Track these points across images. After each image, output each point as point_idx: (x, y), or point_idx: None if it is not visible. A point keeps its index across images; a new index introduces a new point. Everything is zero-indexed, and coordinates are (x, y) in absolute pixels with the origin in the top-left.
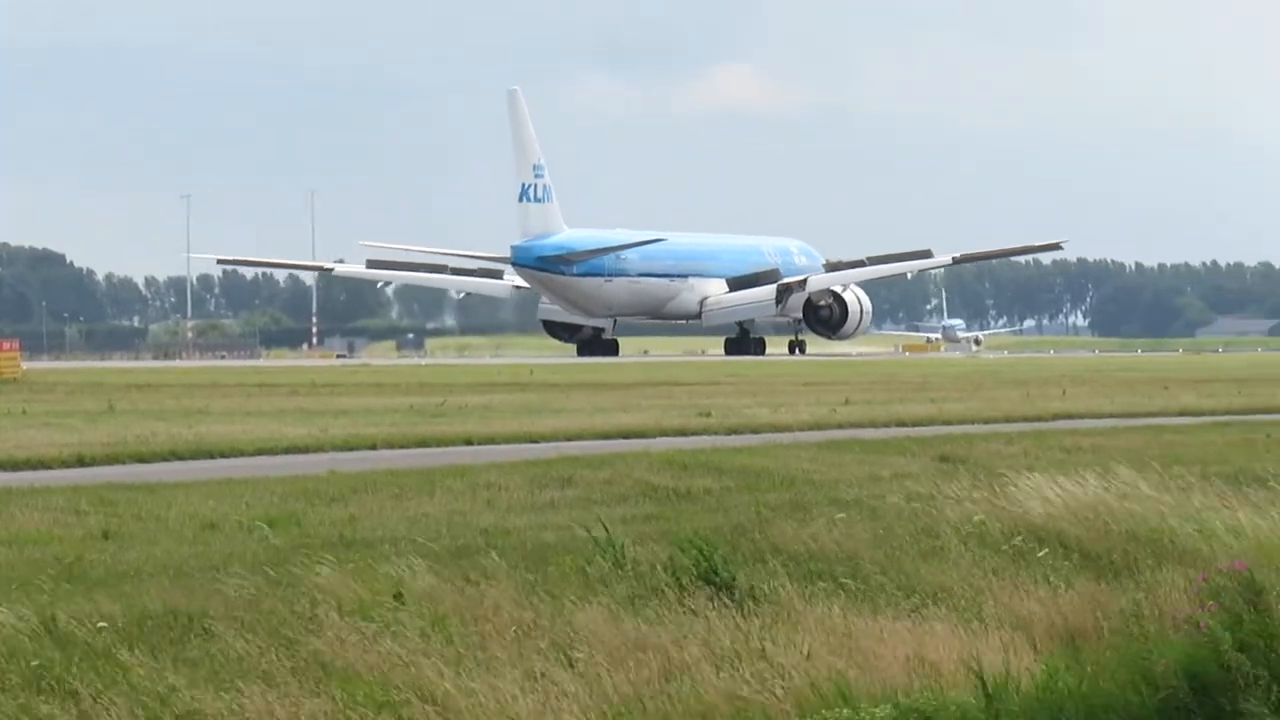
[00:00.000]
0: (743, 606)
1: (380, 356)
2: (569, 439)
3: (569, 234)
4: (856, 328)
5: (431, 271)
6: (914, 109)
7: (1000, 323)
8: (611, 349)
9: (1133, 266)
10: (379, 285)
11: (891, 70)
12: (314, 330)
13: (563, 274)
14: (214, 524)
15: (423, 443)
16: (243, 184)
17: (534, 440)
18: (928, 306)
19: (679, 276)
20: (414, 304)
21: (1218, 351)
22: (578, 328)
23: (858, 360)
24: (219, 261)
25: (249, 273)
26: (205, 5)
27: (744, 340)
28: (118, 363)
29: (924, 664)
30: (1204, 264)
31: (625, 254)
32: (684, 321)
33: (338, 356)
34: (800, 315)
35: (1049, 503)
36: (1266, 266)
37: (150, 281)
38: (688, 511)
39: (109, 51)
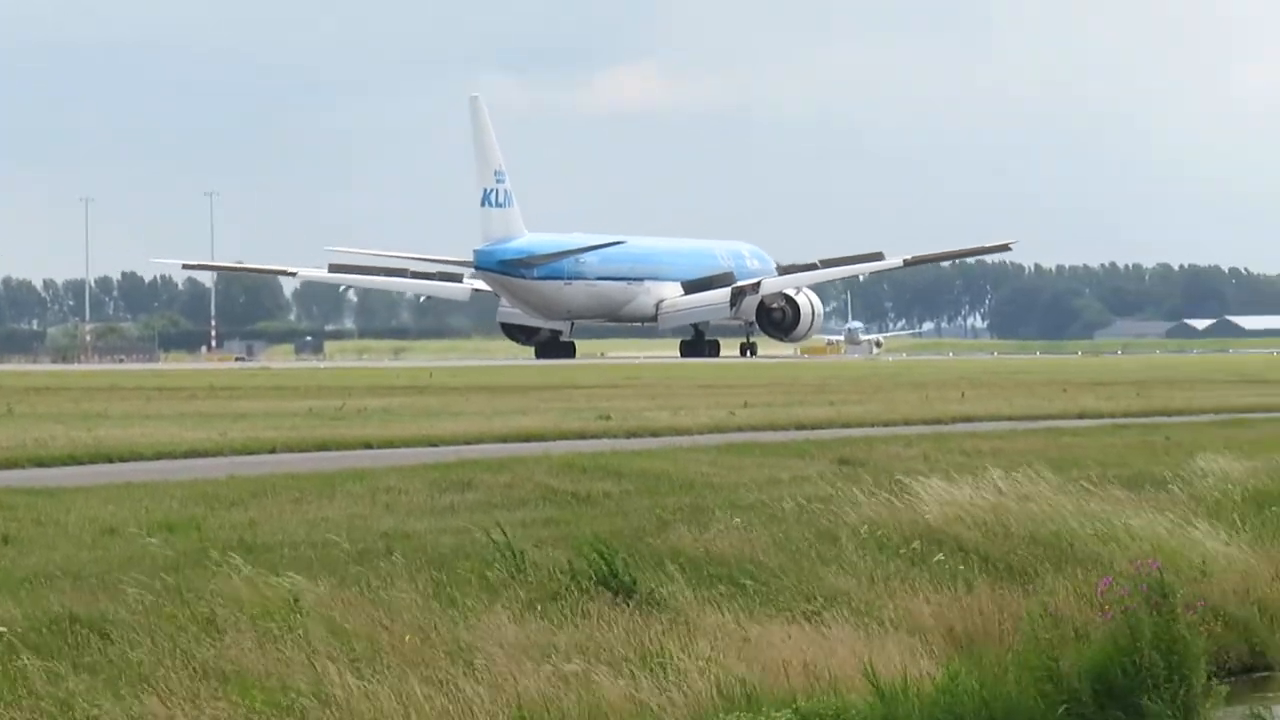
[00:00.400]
0: (643, 610)
1: (279, 360)
2: (468, 443)
3: (529, 238)
4: (809, 329)
5: (392, 275)
6: (814, 109)
7: (900, 325)
8: (569, 351)
9: (1031, 268)
10: (341, 289)
11: (793, 70)
12: (213, 333)
13: (523, 277)
14: (113, 529)
15: (322, 446)
16: (143, 185)
17: (433, 444)
18: (827, 309)
19: (635, 280)
20: (313, 306)
21: (1116, 354)
22: (535, 330)
23: (763, 362)
24: (184, 266)
25: (147, 275)
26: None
27: (699, 342)
28: (15, 366)
29: (824, 667)
30: (1102, 266)
31: (584, 257)
32: (640, 324)
33: (236, 360)
34: (752, 318)
35: (948, 506)
36: (1164, 268)
37: (49, 284)
38: (587, 515)
39: (16, 53)
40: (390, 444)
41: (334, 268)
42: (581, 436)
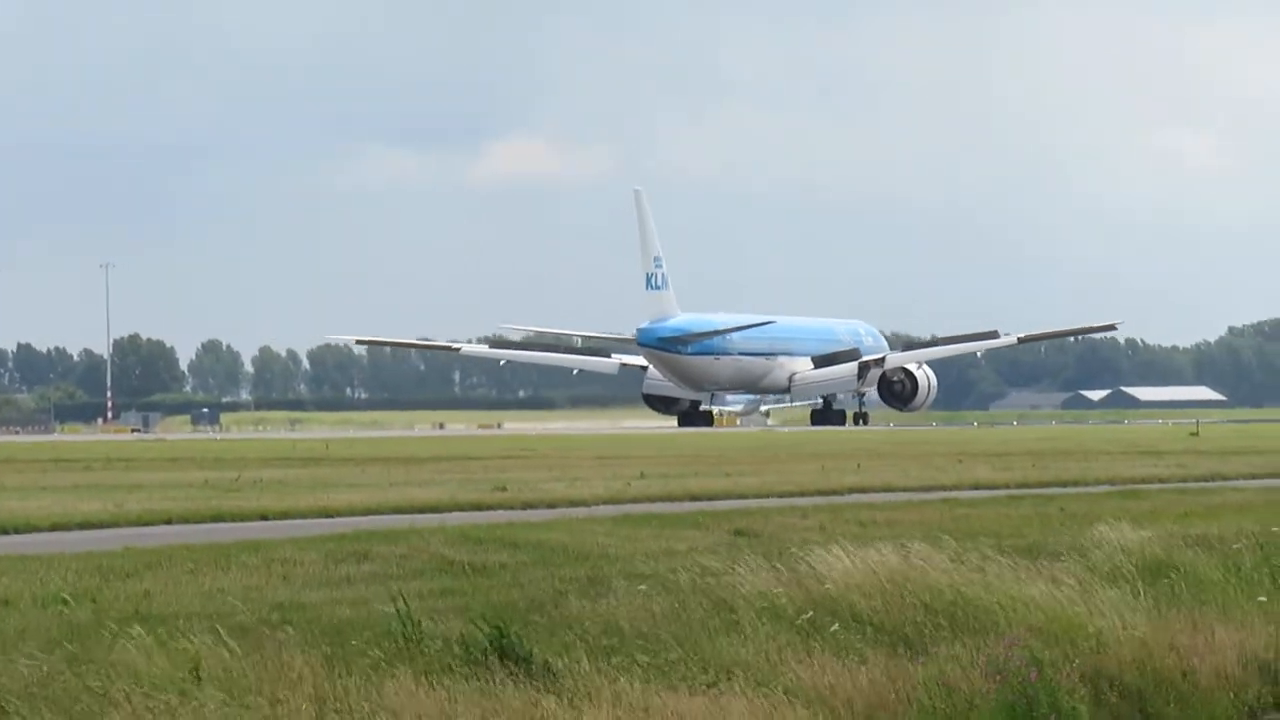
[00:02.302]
0: (539, 682)
1: (175, 431)
2: (365, 514)
3: (683, 317)
4: (925, 401)
5: (546, 350)
6: (704, 173)
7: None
8: (708, 420)
9: (928, 338)
10: (501, 363)
11: (683, 136)
12: (109, 405)
13: (679, 353)
14: (7, 600)
15: (218, 518)
16: (39, 256)
17: (329, 515)
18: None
19: (771, 355)
20: (209, 378)
21: (1012, 425)
22: (675, 400)
23: (654, 434)
24: (358, 342)
25: (43, 346)
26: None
27: (828, 411)
28: None
29: None
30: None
31: (729, 335)
32: (774, 396)
33: (132, 431)
34: (864, 389)
35: (843, 576)
36: (1060, 340)
37: None
38: (484, 586)
39: None
40: (286, 515)
41: (494, 343)
42: (478, 508)
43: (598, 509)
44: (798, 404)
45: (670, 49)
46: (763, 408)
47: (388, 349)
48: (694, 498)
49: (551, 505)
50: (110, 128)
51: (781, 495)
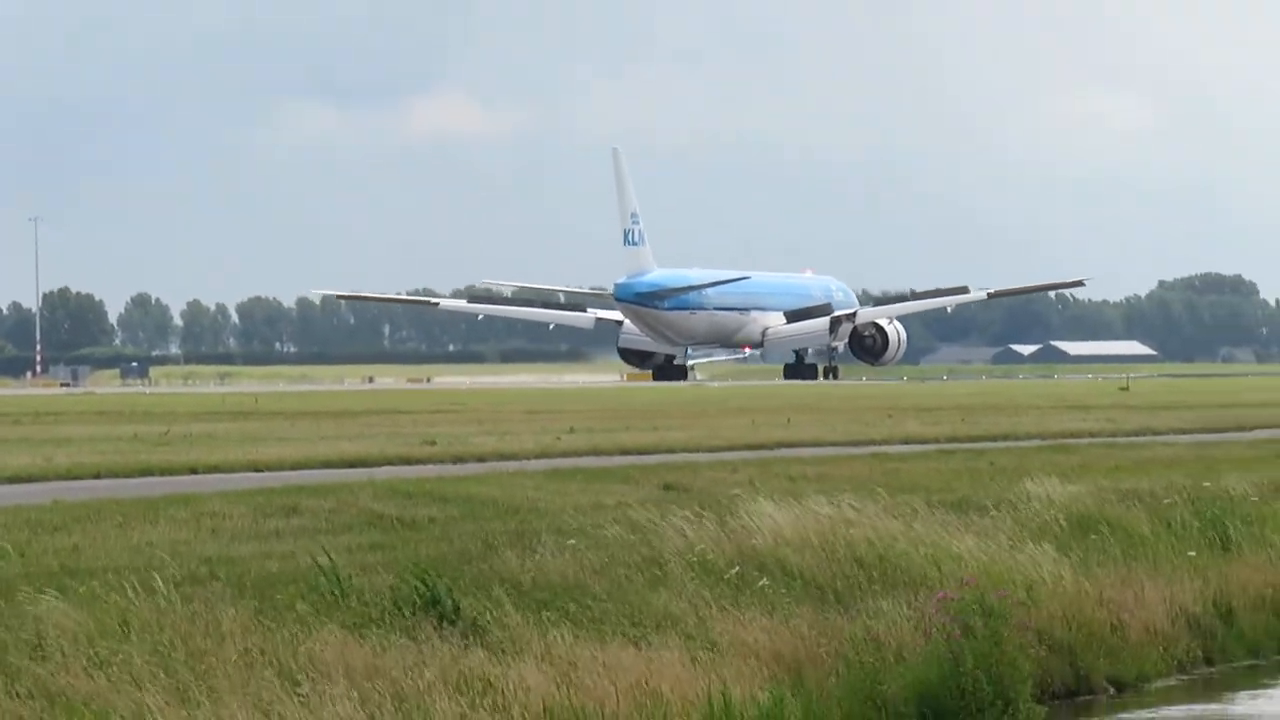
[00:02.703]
0: (468, 636)
1: (104, 385)
2: (294, 468)
3: (659, 273)
4: (895, 355)
5: (525, 305)
6: (626, 127)
7: (723, 351)
8: (682, 374)
9: (859, 293)
10: (478, 318)
11: (603, 91)
12: (38, 358)
13: (655, 308)
14: None
15: (147, 471)
16: None
17: (258, 469)
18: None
19: (744, 310)
20: (138, 332)
21: (942, 379)
22: (650, 355)
23: (584, 388)
24: (340, 298)
25: None
26: None
27: (800, 366)
28: None
29: (651, 692)
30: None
31: (704, 291)
32: (703, 350)
33: (61, 385)
34: (837, 345)
35: (772, 531)
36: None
37: None
38: (413, 540)
39: None
40: (215, 469)
41: (472, 298)
42: (407, 462)
43: (527, 463)
44: (720, 358)
45: (592, 3)
46: (689, 363)
47: (339, 302)
48: (624, 452)
49: (481, 459)
50: (35, 85)
51: (711, 450)
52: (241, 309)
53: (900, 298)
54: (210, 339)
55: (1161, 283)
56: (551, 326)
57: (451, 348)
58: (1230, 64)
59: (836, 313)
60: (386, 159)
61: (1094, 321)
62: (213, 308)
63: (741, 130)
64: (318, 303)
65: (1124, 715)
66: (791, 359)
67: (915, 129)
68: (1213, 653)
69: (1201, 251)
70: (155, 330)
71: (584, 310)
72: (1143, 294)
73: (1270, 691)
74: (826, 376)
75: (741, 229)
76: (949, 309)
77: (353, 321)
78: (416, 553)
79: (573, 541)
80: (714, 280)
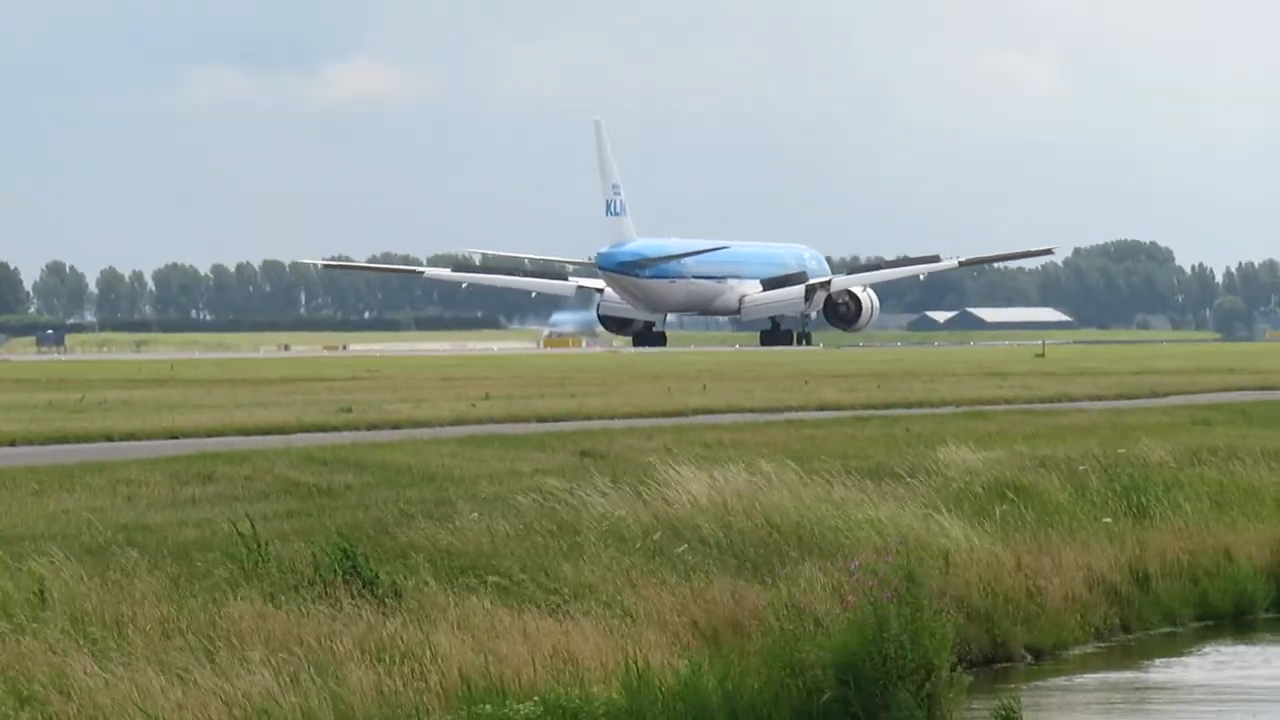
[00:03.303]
0: (386, 602)
1: (19, 352)
2: (210, 435)
3: (640, 242)
4: (868, 321)
5: (505, 274)
6: (540, 93)
7: None
8: (660, 340)
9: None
10: (463, 285)
11: (515, 57)
12: None
13: (637, 276)
14: None
15: (62, 439)
16: None
17: (175, 436)
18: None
19: (721, 279)
20: (54, 299)
21: (858, 346)
22: (630, 321)
23: (500, 355)
24: (325, 266)
25: None
26: None
27: (776, 332)
28: None
29: (570, 659)
30: (844, 259)
31: (684, 260)
32: (725, 317)
33: None
34: (810, 311)
35: (689, 498)
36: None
37: None
38: (330, 507)
39: None
40: (131, 436)
41: (457, 266)
42: (323, 429)
43: (443, 430)
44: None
45: None
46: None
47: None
48: (540, 419)
49: (396, 426)
50: None
51: (627, 416)
52: (158, 276)
53: (873, 266)
54: (126, 306)
55: (1077, 250)
56: (534, 294)
57: (367, 315)
58: (1144, 29)
59: (811, 281)
60: (301, 124)
61: (1009, 288)
62: (128, 275)
63: (650, 96)
64: (316, 271)
65: (1041, 682)
66: (769, 326)
67: (826, 96)
68: (1130, 620)
69: (1118, 218)
70: (70, 298)
71: (565, 279)
72: (1059, 261)
73: (1186, 659)
74: (799, 343)
75: (657, 195)
76: (921, 277)
77: (269, 289)
78: (333, 520)
79: (483, 512)
80: (693, 250)
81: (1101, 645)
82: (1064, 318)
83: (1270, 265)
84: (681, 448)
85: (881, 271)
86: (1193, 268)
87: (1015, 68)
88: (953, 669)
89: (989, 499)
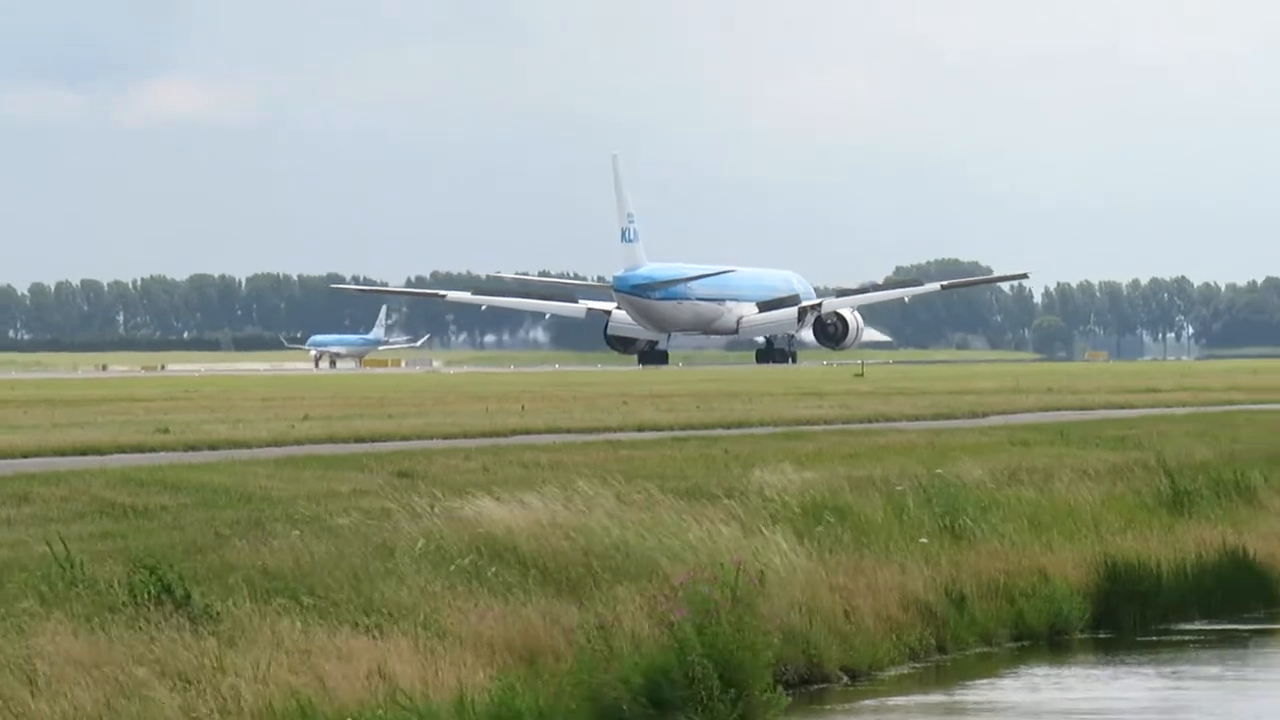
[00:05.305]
0: (199, 625)
1: None
2: (25, 455)
3: (650, 267)
4: (854, 341)
5: (521, 296)
6: (351, 119)
7: (461, 338)
8: (663, 359)
9: (594, 279)
10: (483, 308)
11: (330, 81)
12: None
13: (648, 298)
14: None
15: None
16: None
17: None
18: (389, 321)
19: (720, 301)
20: None
21: (678, 366)
22: (634, 341)
23: (318, 376)
24: (336, 288)
25: None
26: None
27: (771, 351)
28: None
29: (385, 681)
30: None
31: (690, 283)
32: (723, 336)
33: None
34: (794, 332)
35: (506, 519)
36: (892, 284)
37: None
38: (145, 529)
39: None
40: None
41: (476, 290)
42: (140, 450)
43: (261, 451)
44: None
45: None
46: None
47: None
48: (359, 439)
49: (214, 447)
50: None
51: (445, 437)
52: None
53: (861, 290)
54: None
55: (899, 268)
56: (547, 316)
57: (186, 335)
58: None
59: (803, 303)
60: (111, 142)
61: None
62: None
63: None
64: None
65: (856, 703)
66: (762, 344)
67: (655, 95)
68: (945, 640)
69: (939, 238)
70: None
71: (575, 301)
72: (879, 279)
73: (1001, 680)
74: (784, 360)
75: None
76: (906, 299)
77: (86, 309)
78: (149, 541)
79: (299, 533)
80: (700, 274)
81: (917, 665)
82: (883, 338)
83: (1088, 286)
84: (499, 468)
85: (869, 294)
86: (1011, 288)
87: (842, 75)
88: (770, 689)
89: (806, 519)
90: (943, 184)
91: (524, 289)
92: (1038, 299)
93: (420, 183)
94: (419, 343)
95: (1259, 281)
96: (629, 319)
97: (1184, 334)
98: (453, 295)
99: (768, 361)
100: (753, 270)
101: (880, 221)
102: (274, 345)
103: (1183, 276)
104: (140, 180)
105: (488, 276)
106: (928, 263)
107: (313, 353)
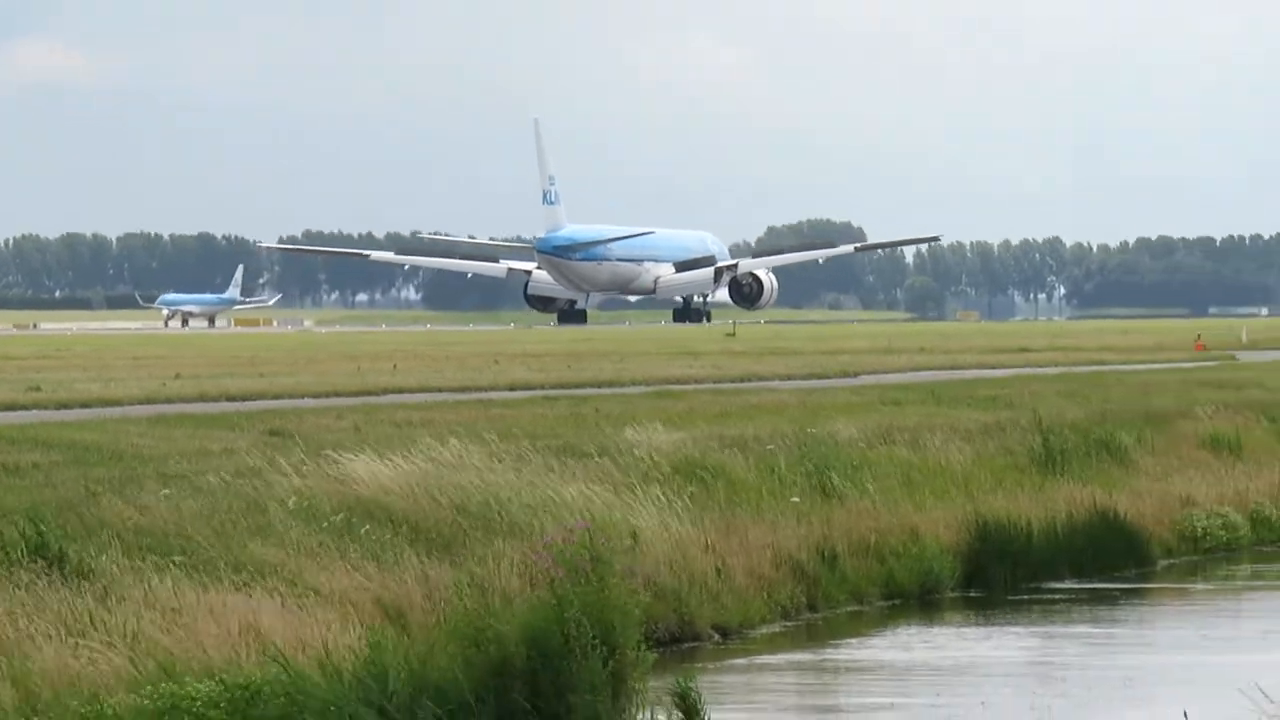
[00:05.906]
0: (74, 581)
1: None
2: None
3: (571, 229)
4: (768, 301)
5: (443, 256)
6: (226, 80)
7: (333, 297)
8: (582, 318)
9: (467, 239)
10: (405, 268)
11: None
12: None
13: (569, 259)
14: None
15: None
16: None
17: None
18: (261, 280)
19: (638, 261)
20: None
21: (550, 325)
22: (553, 300)
23: (188, 335)
24: (271, 248)
25: None
26: None
27: (687, 311)
28: None
29: (256, 638)
30: (535, 237)
31: (609, 244)
32: (638, 297)
33: None
34: (710, 293)
35: (377, 478)
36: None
37: None
38: (16, 486)
39: None
40: None
41: (399, 249)
42: (11, 408)
43: (132, 409)
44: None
45: None
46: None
47: None
48: (230, 398)
49: (86, 405)
50: None
51: (317, 396)
52: None
53: (776, 251)
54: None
55: (770, 228)
56: (469, 275)
57: (58, 294)
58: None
59: (720, 264)
60: None
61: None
62: None
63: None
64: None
65: (726, 661)
66: (680, 304)
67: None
68: (816, 599)
69: (811, 197)
70: None
71: (496, 261)
72: (752, 240)
73: (872, 639)
74: (699, 320)
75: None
76: (820, 261)
77: None
78: (21, 499)
79: (170, 490)
80: (619, 235)
81: (789, 624)
82: None
83: (959, 246)
84: (371, 427)
85: (783, 256)
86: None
87: (705, 43)
88: (639, 647)
89: (678, 478)
90: (815, 148)
91: (448, 249)
92: (909, 259)
93: (290, 144)
94: (271, 301)
95: (1130, 242)
96: (549, 279)
97: (1055, 294)
98: (376, 255)
99: (684, 321)
100: (670, 231)
101: (751, 179)
102: (141, 304)
103: (1055, 237)
104: (11, 139)
105: (412, 234)
106: (799, 223)
107: (164, 311)
